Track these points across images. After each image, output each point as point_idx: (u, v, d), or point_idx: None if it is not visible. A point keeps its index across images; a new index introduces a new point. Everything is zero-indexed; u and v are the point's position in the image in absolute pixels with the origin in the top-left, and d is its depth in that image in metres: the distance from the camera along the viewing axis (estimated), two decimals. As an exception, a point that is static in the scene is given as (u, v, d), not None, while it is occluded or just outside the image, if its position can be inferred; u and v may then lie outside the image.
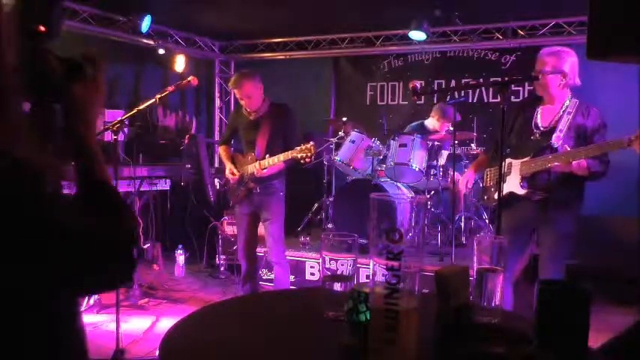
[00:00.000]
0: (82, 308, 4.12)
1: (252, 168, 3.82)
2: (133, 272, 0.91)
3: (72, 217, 0.81)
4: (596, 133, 2.83)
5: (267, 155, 3.76)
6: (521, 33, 5.85)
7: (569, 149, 2.79)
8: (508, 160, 2.99)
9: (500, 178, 2.66)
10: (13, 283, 0.77)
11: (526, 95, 6.06)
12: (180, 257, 5.42)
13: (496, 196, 2.88)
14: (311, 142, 3.52)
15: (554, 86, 2.89)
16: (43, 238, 0.77)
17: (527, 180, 2.90)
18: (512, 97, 5.97)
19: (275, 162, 3.68)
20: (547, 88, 2.90)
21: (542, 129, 2.92)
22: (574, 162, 2.73)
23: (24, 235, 0.75)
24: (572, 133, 2.85)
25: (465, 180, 3.33)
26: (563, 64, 2.87)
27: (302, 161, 3.54)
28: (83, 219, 0.82)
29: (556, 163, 2.78)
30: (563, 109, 2.90)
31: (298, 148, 3.53)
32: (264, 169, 3.73)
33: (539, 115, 2.97)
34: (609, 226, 5.08)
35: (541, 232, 2.97)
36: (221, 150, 4.20)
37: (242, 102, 3.86)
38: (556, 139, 2.81)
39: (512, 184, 2.96)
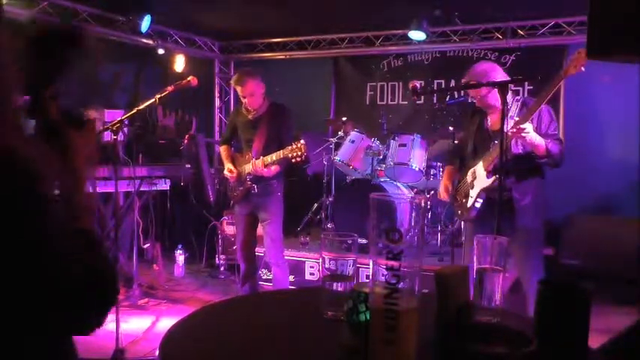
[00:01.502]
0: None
1: (250, 167, 3.83)
2: (105, 316, 0.89)
3: (59, 229, 0.80)
4: (547, 128, 2.94)
5: (262, 155, 3.77)
6: (521, 33, 5.85)
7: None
8: (472, 169, 3.10)
9: (501, 177, 2.66)
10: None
11: (526, 96, 6.06)
12: (180, 257, 5.42)
13: (469, 204, 3.01)
14: (301, 141, 3.52)
15: (493, 99, 3.03)
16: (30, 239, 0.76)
17: (492, 170, 2.98)
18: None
19: (272, 160, 3.68)
20: (487, 101, 3.05)
21: (491, 134, 3.06)
22: (531, 136, 2.79)
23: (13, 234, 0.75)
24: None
25: (444, 188, 3.38)
26: (495, 76, 3.01)
27: (293, 160, 3.55)
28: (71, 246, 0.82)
29: (512, 139, 2.87)
30: (509, 114, 2.97)
31: (289, 147, 3.54)
32: (266, 165, 3.71)
33: (488, 121, 3.13)
34: (609, 226, 5.08)
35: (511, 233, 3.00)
36: (221, 150, 4.20)
37: (243, 100, 3.87)
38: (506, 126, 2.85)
39: (481, 181, 3.03)
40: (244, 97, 3.85)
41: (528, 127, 2.79)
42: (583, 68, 2.69)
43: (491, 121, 3.10)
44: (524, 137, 2.80)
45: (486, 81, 2.94)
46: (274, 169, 3.74)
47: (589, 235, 5.12)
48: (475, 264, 1.15)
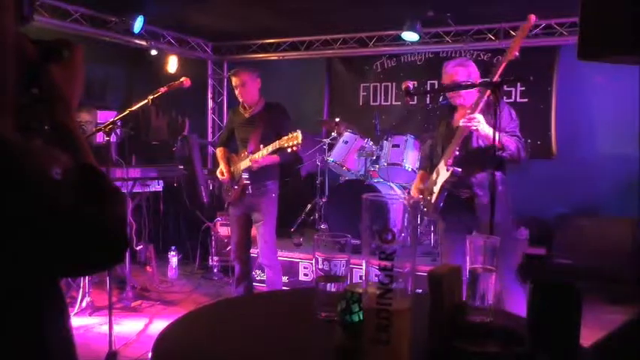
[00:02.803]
0: (74, 311, 4.10)
1: (245, 164, 3.82)
2: (123, 255, 0.89)
3: (62, 196, 0.80)
4: (506, 125, 2.99)
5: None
6: (514, 34, 5.87)
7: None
8: (437, 167, 3.16)
9: (494, 178, 2.67)
10: None
11: (519, 96, 6.09)
12: (174, 259, 5.40)
13: (433, 201, 3.06)
14: (297, 131, 3.54)
15: (469, 93, 3.09)
16: (32, 213, 0.76)
17: (452, 164, 3.04)
18: (505, 97, 6.00)
19: (264, 154, 3.68)
20: (464, 96, 3.09)
21: (454, 130, 3.10)
22: (482, 127, 2.84)
23: (11, 209, 0.74)
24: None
25: (415, 190, 3.42)
26: (470, 72, 3.08)
27: (289, 150, 3.55)
28: (73, 199, 0.81)
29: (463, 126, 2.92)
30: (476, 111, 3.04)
31: (285, 137, 3.55)
32: (257, 159, 3.70)
33: (454, 119, 3.19)
34: (601, 225, 5.11)
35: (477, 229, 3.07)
36: (218, 151, 4.19)
37: (236, 91, 3.90)
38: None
39: (442, 176, 3.09)
40: (236, 88, 3.87)
41: (479, 117, 2.86)
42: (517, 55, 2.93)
43: (456, 117, 3.16)
44: (476, 128, 2.86)
45: (467, 77, 3.02)
46: (272, 157, 3.73)
47: (581, 235, 5.15)
48: (468, 264, 1.16)
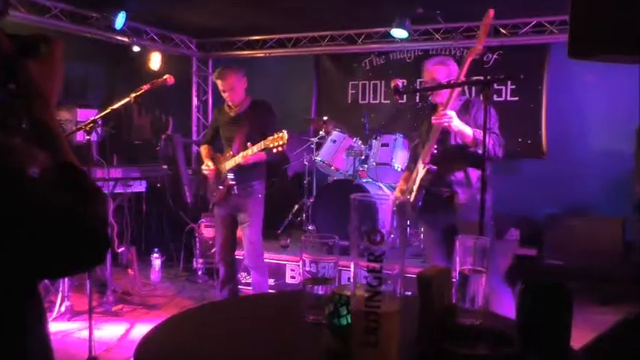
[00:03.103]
0: (53, 315, 4.05)
1: (231, 164, 3.81)
2: (105, 256, 0.88)
3: (41, 195, 0.79)
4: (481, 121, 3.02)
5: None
6: (504, 32, 5.93)
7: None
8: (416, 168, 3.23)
9: (484, 180, 2.70)
10: None
11: (509, 95, 6.14)
12: (156, 261, 5.37)
13: (412, 199, 3.10)
14: (283, 131, 3.53)
15: (443, 95, 3.14)
16: (11, 212, 0.75)
17: (429, 161, 3.09)
18: (495, 96, 6.04)
19: (250, 153, 3.66)
20: (442, 94, 3.14)
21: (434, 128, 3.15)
22: (455, 123, 2.90)
23: None
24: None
25: (399, 190, 3.47)
26: (450, 70, 3.15)
27: (275, 150, 3.54)
28: (53, 198, 0.80)
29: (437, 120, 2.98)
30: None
31: (270, 137, 3.54)
32: (247, 156, 3.68)
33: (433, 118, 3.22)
34: (592, 225, 5.17)
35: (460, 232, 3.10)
36: (202, 149, 4.17)
37: (224, 94, 3.86)
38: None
39: (420, 173, 3.14)
40: (224, 92, 3.84)
41: (451, 113, 2.91)
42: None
43: (435, 116, 3.20)
44: (448, 124, 2.91)
45: (447, 76, 3.08)
46: (259, 154, 3.70)
47: (572, 235, 5.20)
48: (457, 265, 1.16)
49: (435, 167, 3.04)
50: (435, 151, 3.09)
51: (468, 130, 2.93)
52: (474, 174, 3.07)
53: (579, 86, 5.78)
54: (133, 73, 6.42)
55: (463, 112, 3.10)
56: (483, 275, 1.14)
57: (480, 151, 2.89)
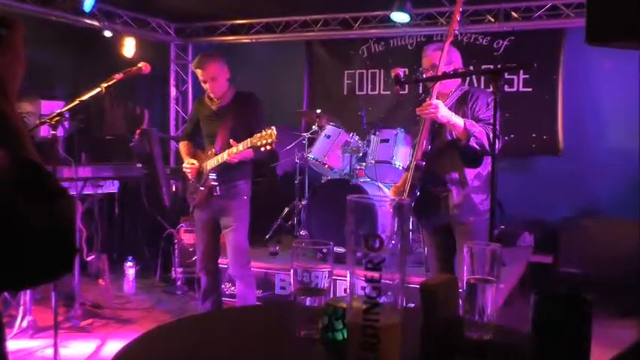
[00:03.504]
0: (14, 332, 4.03)
1: (213, 163, 3.80)
2: (72, 264, 0.87)
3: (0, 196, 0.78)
4: (479, 111, 3.07)
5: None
6: (515, 15, 5.95)
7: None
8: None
9: (494, 179, 2.71)
10: None
11: (521, 85, 6.16)
12: (130, 271, 5.35)
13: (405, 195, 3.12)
14: (272, 127, 3.52)
15: (444, 85, 3.18)
16: None
17: (422, 158, 3.11)
18: (506, 86, 6.07)
19: (235, 152, 3.65)
20: (444, 83, 3.16)
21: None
22: (443, 113, 2.91)
23: None
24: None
25: (394, 193, 3.48)
26: (451, 56, 3.18)
27: (262, 149, 3.54)
28: (12, 199, 0.79)
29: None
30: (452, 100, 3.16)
31: (258, 135, 3.53)
32: (235, 154, 3.67)
33: None
34: (612, 229, 5.20)
35: (456, 234, 3.15)
36: (181, 145, 4.15)
37: (204, 85, 3.85)
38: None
39: (412, 171, 3.17)
40: (205, 82, 3.83)
41: (436, 102, 2.93)
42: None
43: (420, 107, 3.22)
44: (433, 115, 2.92)
45: (451, 64, 3.12)
46: (245, 152, 3.68)
47: (591, 240, 5.23)
48: (465, 274, 1.16)
49: (423, 163, 3.06)
50: (429, 147, 3.10)
51: (459, 121, 2.93)
52: (471, 172, 3.08)
53: (599, 76, 5.81)
54: (104, 61, 6.39)
55: (461, 104, 3.12)
56: (494, 285, 1.14)
57: (475, 145, 2.91)
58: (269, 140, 3.52)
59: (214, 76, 3.79)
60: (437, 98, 3.24)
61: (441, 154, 3.11)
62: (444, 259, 3.20)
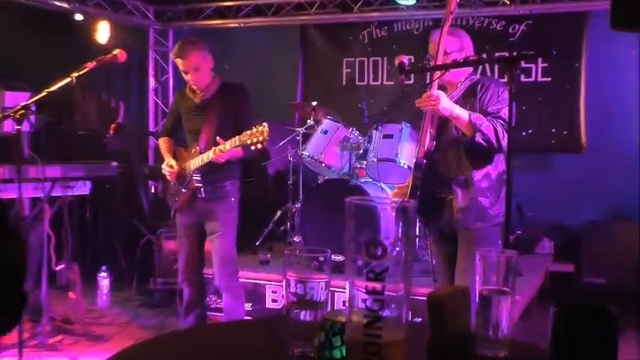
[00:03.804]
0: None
1: (197, 163, 3.80)
2: (19, 318, 0.87)
3: None
4: (488, 103, 3.04)
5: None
6: (534, -3, 5.97)
7: None
8: None
9: (509, 180, 2.72)
10: None
11: (540, 75, 6.17)
12: (104, 282, 5.34)
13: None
14: (264, 124, 3.52)
15: (459, 70, 3.16)
16: None
17: (425, 157, 3.12)
18: (523, 76, 6.08)
19: (223, 150, 3.64)
20: (453, 72, 3.15)
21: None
22: (444, 105, 2.89)
23: None
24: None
25: (397, 194, 3.52)
26: (461, 41, 3.18)
27: (253, 147, 3.53)
28: None
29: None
30: (454, 99, 3.12)
31: (248, 132, 3.52)
32: (223, 151, 3.66)
33: None
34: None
35: (459, 240, 3.15)
36: (160, 142, 4.15)
37: (186, 77, 3.84)
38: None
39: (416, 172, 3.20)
40: (186, 73, 3.82)
41: (437, 94, 2.90)
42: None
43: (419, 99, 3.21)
44: (434, 107, 2.91)
45: (459, 49, 3.11)
46: (234, 151, 3.67)
47: (616, 248, 5.24)
48: (477, 285, 1.17)
49: (424, 161, 3.06)
50: (433, 143, 3.10)
51: (463, 114, 2.91)
52: (478, 172, 3.06)
53: (626, 64, 5.83)
54: (76, 48, 6.38)
55: (469, 95, 3.11)
56: (509, 297, 1.15)
57: (482, 141, 2.89)
58: (260, 138, 3.51)
59: (197, 66, 3.77)
60: (443, 89, 3.24)
61: (445, 151, 3.10)
62: (453, 269, 3.20)
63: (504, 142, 2.91)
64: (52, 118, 5.49)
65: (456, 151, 3.07)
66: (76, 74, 3.30)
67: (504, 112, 2.93)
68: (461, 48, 3.14)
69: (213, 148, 3.69)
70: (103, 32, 6.62)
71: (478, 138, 2.89)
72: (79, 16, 6.21)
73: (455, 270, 3.15)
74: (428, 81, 6.38)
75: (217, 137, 3.66)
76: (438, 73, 3.05)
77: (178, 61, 3.82)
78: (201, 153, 3.79)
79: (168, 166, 3.93)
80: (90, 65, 3.34)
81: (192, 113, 3.93)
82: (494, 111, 2.99)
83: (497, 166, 3.09)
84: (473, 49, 3.25)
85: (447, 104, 2.90)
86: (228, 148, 3.62)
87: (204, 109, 3.87)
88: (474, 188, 3.05)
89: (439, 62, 3.07)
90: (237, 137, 3.58)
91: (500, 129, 2.90)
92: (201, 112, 3.88)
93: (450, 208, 3.10)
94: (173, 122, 4.11)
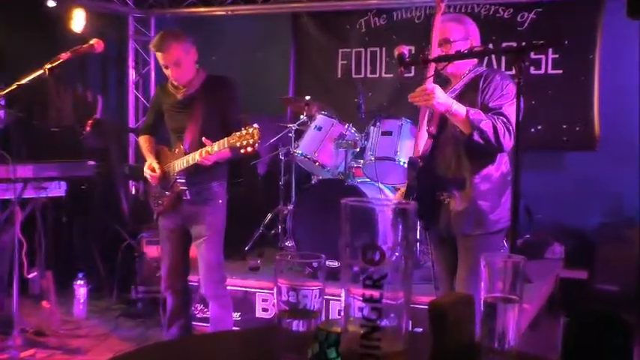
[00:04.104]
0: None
1: (182, 164, 3.79)
2: None
3: None
4: (490, 97, 2.99)
5: (199, 147, 3.73)
6: (543, -17, 5.99)
7: None
8: None
9: (517, 180, 2.71)
10: None
11: (550, 67, 6.19)
12: (81, 290, 5.33)
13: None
14: (254, 125, 3.51)
15: (456, 65, 3.14)
16: None
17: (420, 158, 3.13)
18: (532, 68, 6.10)
19: (210, 152, 3.64)
20: (457, 64, 3.13)
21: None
22: (439, 100, 2.86)
23: None
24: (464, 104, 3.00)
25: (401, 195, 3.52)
26: (467, 29, 3.15)
27: (242, 150, 3.52)
28: None
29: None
30: (455, 92, 3.12)
31: (237, 133, 3.51)
32: (210, 153, 3.65)
33: None
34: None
35: (458, 247, 3.13)
36: (141, 140, 4.14)
37: (166, 71, 3.83)
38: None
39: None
40: (167, 68, 3.81)
41: (432, 87, 2.87)
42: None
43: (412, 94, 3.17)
44: (427, 103, 2.88)
45: (463, 37, 3.09)
46: (221, 153, 3.66)
47: (631, 253, 5.26)
48: (482, 292, 1.17)
49: (418, 160, 3.05)
50: (431, 142, 3.09)
51: (461, 110, 2.87)
52: (478, 173, 3.02)
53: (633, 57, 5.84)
54: (49, 37, 6.37)
55: (470, 89, 3.08)
56: (516, 305, 1.15)
57: (480, 139, 2.85)
58: (250, 141, 3.49)
59: (177, 60, 3.74)
60: (447, 81, 3.24)
61: (444, 150, 3.08)
62: (454, 276, 3.18)
63: (505, 141, 2.88)
64: (23, 114, 5.47)
65: (456, 150, 3.04)
66: (49, 65, 3.29)
67: (507, 109, 2.91)
68: (466, 37, 3.12)
69: (200, 150, 3.67)
70: (78, 20, 6.59)
71: (476, 136, 2.85)
72: (51, 3, 6.18)
73: (451, 274, 3.16)
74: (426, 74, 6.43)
75: (203, 138, 3.65)
76: (434, 66, 2.99)
77: (158, 55, 3.80)
78: (185, 153, 3.78)
79: (150, 168, 3.92)
80: (64, 56, 3.33)
81: (174, 110, 3.91)
82: (495, 107, 2.94)
83: (500, 166, 3.06)
84: (479, 38, 3.22)
85: (442, 99, 2.86)
86: (215, 150, 3.61)
87: (187, 105, 3.85)
88: (474, 191, 3.01)
89: (434, 54, 3.04)
90: (225, 139, 3.56)
91: (500, 127, 2.86)
92: (184, 108, 3.86)
93: (447, 211, 3.07)
94: (154, 119, 4.09)
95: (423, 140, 3.13)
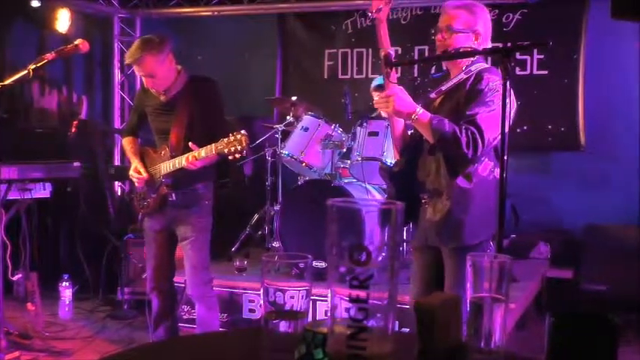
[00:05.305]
0: None
1: (167, 167, 3.78)
2: None
3: None
4: (466, 103, 2.83)
5: (183, 150, 3.71)
6: (531, -18, 6.02)
7: None
8: None
9: (502, 181, 2.66)
10: None
11: (535, 67, 6.22)
12: (67, 292, 5.31)
13: None
14: (242, 132, 3.49)
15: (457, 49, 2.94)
16: None
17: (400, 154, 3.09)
18: (518, 69, 6.13)
19: (197, 157, 3.62)
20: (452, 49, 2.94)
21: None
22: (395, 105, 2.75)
23: None
24: (449, 104, 2.93)
25: None
26: (477, 22, 2.94)
27: (230, 157, 3.51)
28: None
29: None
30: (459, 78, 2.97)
31: (225, 140, 3.50)
32: (196, 158, 3.62)
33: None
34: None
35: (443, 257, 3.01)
36: (125, 142, 4.12)
37: (144, 81, 3.82)
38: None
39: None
40: (142, 77, 3.80)
41: (392, 93, 2.77)
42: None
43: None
44: (389, 109, 2.77)
45: (470, 27, 2.91)
46: (208, 157, 3.64)
47: (618, 252, 5.29)
48: (468, 292, 1.17)
49: (392, 165, 3.02)
50: (408, 143, 3.04)
51: (423, 117, 2.74)
52: (457, 182, 2.85)
53: (628, 57, 5.89)
54: (33, 37, 6.33)
55: (460, 88, 2.92)
56: (502, 305, 1.16)
57: (441, 150, 2.79)
58: (238, 147, 3.47)
59: (151, 72, 3.67)
60: (447, 73, 3.12)
61: (425, 157, 2.97)
62: (427, 282, 3.04)
63: (469, 152, 2.72)
64: (8, 114, 5.44)
65: (436, 158, 2.90)
66: (33, 66, 3.27)
67: (482, 117, 2.74)
68: (472, 29, 2.93)
69: (187, 155, 3.65)
70: (62, 20, 6.56)
71: (438, 146, 2.77)
72: (35, 2, 6.14)
73: (429, 283, 3.00)
74: (416, 74, 6.45)
75: (190, 143, 3.63)
76: (394, 72, 2.87)
77: (134, 68, 3.78)
78: (171, 156, 3.76)
79: (136, 171, 3.90)
80: (49, 56, 3.31)
81: (158, 112, 3.88)
82: (470, 114, 2.76)
83: (482, 174, 2.87)
84: (490, 34, 3.02)
85: (404, 105, 2.74)
86: (203, 155, 3.60)
87: (171, 107, 3.82)
88: (451, 201, 2.86)
89: (387, 52, 2.97)
90: (213, 146, 3.55)
91: (464, 138, 2.70)
92: (168, 110, 3.83)
93: (424, 220, 2.97)
94: (137, 120, 4.06)
95: (397, 145, 3.07)
